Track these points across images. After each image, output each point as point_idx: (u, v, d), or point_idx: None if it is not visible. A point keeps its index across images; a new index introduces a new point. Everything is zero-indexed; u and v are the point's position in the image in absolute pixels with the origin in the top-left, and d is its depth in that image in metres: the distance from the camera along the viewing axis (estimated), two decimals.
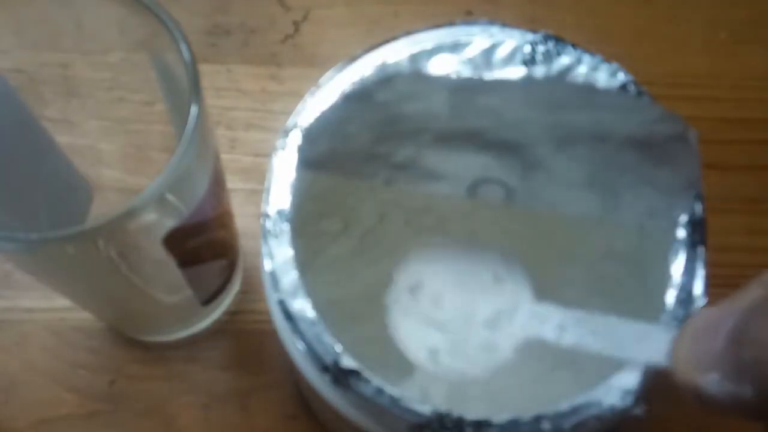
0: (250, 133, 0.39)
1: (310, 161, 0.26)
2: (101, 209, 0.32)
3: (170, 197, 0.23)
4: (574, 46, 0.27)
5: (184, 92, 0.24)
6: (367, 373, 0.23)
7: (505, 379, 0.30)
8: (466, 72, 0.27)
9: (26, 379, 0.34)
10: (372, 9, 0.42)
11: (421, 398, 0.23)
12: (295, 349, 0.24)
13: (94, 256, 0.24)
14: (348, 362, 0.23)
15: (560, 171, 0.27)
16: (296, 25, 0.42)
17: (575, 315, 0.25)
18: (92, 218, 0.32)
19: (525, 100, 0.26)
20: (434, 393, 0.30)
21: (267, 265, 0.25)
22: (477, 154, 0.28)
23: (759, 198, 0.39)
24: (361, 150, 0.28)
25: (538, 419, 0.23)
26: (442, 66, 0.27)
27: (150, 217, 0.23)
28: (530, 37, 0.27)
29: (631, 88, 0.26)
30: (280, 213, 0.25)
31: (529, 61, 0.27)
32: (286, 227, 0.25)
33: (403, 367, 0.30)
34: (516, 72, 0.27)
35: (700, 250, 0.25)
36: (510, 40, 0.27)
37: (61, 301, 0.35)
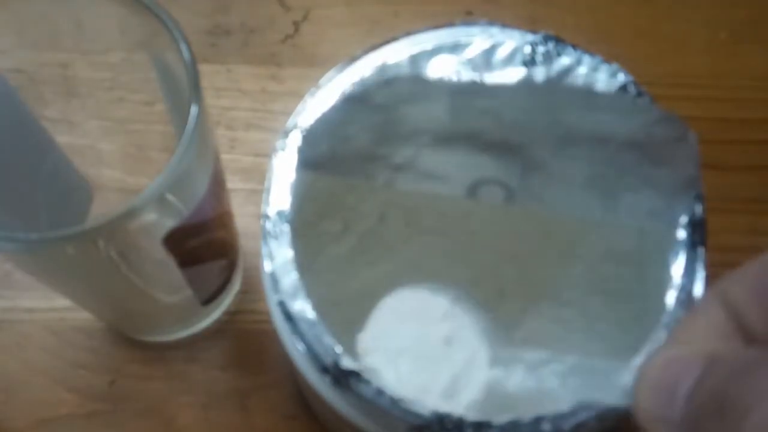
0: (250, 133, 0.39)
1: (310, 162, 0.26)
2: (101, 209, 0.32)
3: (170, 197, 0.23)
4: (574, 46, 0.27)
5: (184, 92, 0.24)
6: (367, 374, 0.23)
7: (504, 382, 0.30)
8: (466, 73, 0.27)
9: (26, 379, 0.34)
10: (372, 9, 0.42)
11: (421, 399, 0.23)
12: (295, 350, 0.24)
13: (94, 256, 0.24)
14: (348, 363, 0.23)
15: (560, 172, 0.27)
16: (296, 25, 0.42)
17: (535, 356, 0.24)
18: (92, 218, 0.32)
19: (525, 101, 0.26)
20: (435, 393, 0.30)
21: (267, 266, 0.25)
22: (477, 155, 0.28)
23: (759, 198, 0.39)
24: (361, 151, 0.28)
25: (538, 420, 0.23)
26: (442, 67, 0.27)
27: (150, 217, 0.23)
28: (530, 37, 0.27)
29: (631, 89, 0.26)
30: (280, 214, 0.25)
31: (529, 62, 0.27)
32: (286, 228, 0.25)
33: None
34: (516, 73, 0.27)
35: (700, 251, 0.25)
36: (510, 41, 0.27)
37: (61, 301, 0.35)
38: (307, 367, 0.24)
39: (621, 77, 0.27)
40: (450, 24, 0.28)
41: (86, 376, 0.35)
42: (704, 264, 0.25)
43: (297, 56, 0.41)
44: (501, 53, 0.27)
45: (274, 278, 0.25)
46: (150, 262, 0.27)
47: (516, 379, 0.25)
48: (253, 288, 0.36)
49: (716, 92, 0.41)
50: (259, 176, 0.38)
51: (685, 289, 0.25)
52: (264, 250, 0.25)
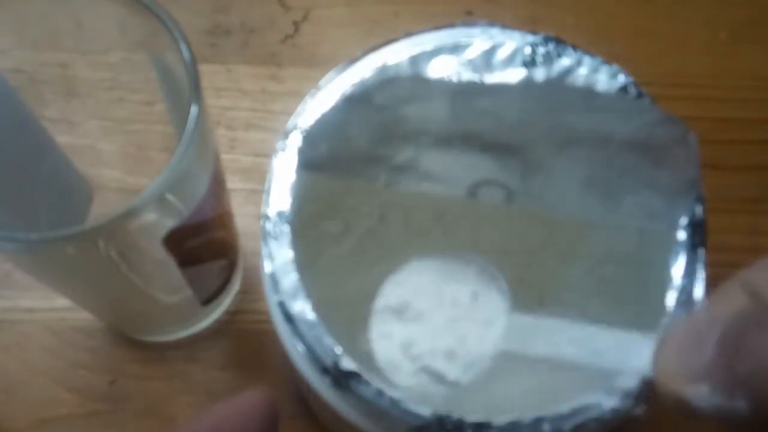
0: (250, 133, 0.39)
1: (310, 163, 0.26)
2: (101, 209, 0.32)
3: (170, 197, 0.23)
4: (574, 47, 0.27)
5: (184, 92, 0.24)
6: (367, 375, 0.23)
7: (504, 381, 0.30)
8: (467, 74, 0.27)
9: (26, 379, 0.34)
10: (372, 9, 0.42)
11: (421, 400, 0.23)
12: (295, 350, 0.24)
13: (94, 256, 0.24)
14: (348, 364, 0.23)
15: (560, 173, 0.27)
16: (296, 25, 0.42)
17: (553, 324, 0.25)
18: (92, 218, 0.32)
19: (525, 102, 0.26)
20: (434, 395, 0.30)
21: (267, 267, 0.25)
22: (477, 156, 0.28)
23: (759, 198, 0.39)
24: (361, 152, 0.28)
25: (538, 421, 0.23)
26: (442, 68, 0.27)
27: (150, 217, 0.23)
28: (530, 38, 0.27)
29: (632, 90, 0.26)
30: (280, 215, 0.25)
31: (530, 63, 0.27)
32: (286, 229, 0.25)
33: None
34: (516, 74, 0.27)
35: (701, 252, 0.25)
36: (510, 42, 0.27)
37: (61, 301, 0.35)
38: (307, 368, 0.24)
39: (621, 78, 0.27)
40: (450, 25, 0.28)
41: (86, 376, 0.35)
42: (704, 265, 0.25)
43: (297, 56, 0.41)
44: (501, 54, 0.27)
45: (274, 279, 0.25)
46: (150, 262, 0.27)
47: (533, 345, 0.26)
48: (253, 288, 0.36)
49: (716, 92, 0.41)
50: (259, 176, 0.38)
51: (686, 291, 0.25)
52: (264, 251, 0.25)
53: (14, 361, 0.35)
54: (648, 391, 0.23)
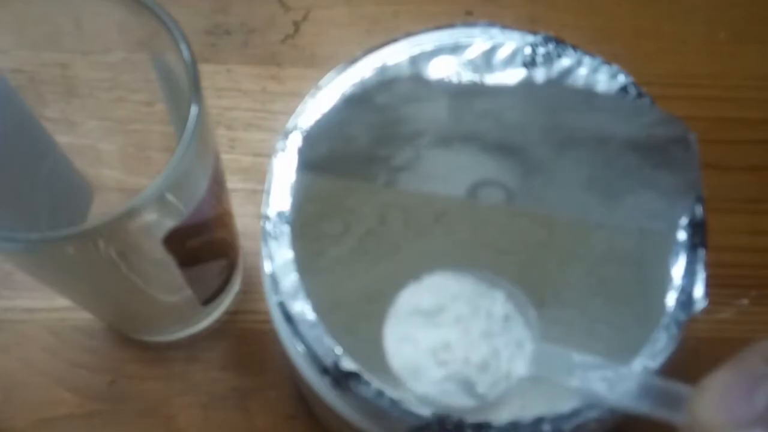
0: (250, 133, 0.39)
1: (310, 163, 0.26)
2: (101, 209, 0.32)
3: (170, 197, 0.23)
4: (574, 47, 0.27)
5: (184, 92, 0.24)
6: (367, 376, 0.23)
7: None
8: (467, 74, 0.27)
9: (26, 379, 0.34)
10: (372, 9, 0.42)
11: (421, 400, 0.23)
12: (295, 351, 0.24)
13: (94, 256, 0.24)
14: (348, 364, 0.23)
15: (560, 173, 0.27)
16: (296, 25, 0.42)
17: (584, 360, 0.25)
18: (92, 218, 0.32)
19: (525, 102, 0.26)
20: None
21: (267, 267, 0.25)
22: (477, 156, 0.28)
23: (759, 198, 0.39)
24: (361, 152, 0.28)
25: (538, 421, 0.23)
26: (442, 68, 0.27)
27: (150, 217, 0.23)
28: (530, 38, 0.27)
29: (632, 90, 0.26)
30: (280, 215, 0.25)
31: (530, 63, 0.27)
32: (286, 229, 0.25)
33: None
34: (516, 74, 0.27)
35: (701, 252, 0.25)
36: (510, 42, 0.27)
37: (61, 301, 0.35)
38: (307, 368, 0.24)
39: (621, 78, 0.27)
40: (450, 25, 0.28)
41: (86, 376, 0.35)
42: (704, 265, 0.25)
43: (297, 56, 0.41)
44: (501, 54, 0.27)
45: (274, 279, 0.25)
46: (150, 262, 0.27)
47: (561, 377, 0.25)
48: (253, 288, 0.36)
49: (716, 92, 0.41)
50: (259, 176, 0.38)
51: (686, 291, 0.25)
52: (264, 251, 0.25)
53: (14, 361, 0.35)
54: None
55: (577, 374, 0.24)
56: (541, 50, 0.27)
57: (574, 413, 0.23)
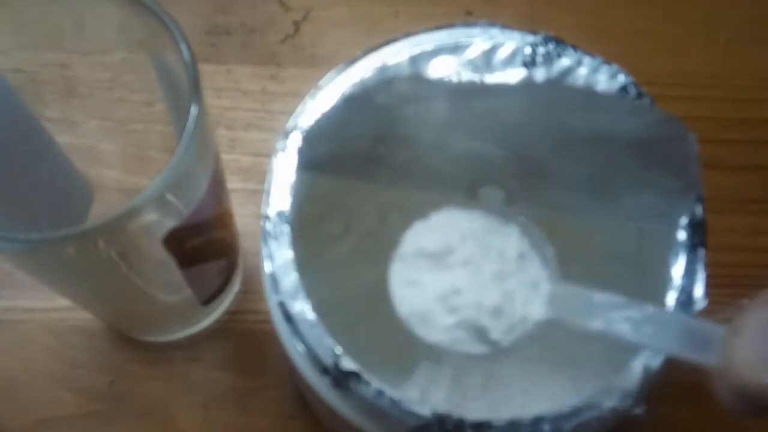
0: (250, 133, 0.39)
1: (310, 163, 0.26)
2: (101, 209, 0.32)
3: (170, 197, 0.23)
4: (574, 47, 0.27)
5: (184, 92, 0.24)
6: (367, 375, 0.23)
7: (504, 380, 0.30)
8: (467, 74, 0.27)
9: (26, 379, 0.34)
10: (372, 9, 0.42)
11: (421, 400, 0.23)
12: (295, 350, 0.24)
13: (94, 256, 0.24)
14: (348, 364, 0.23)
15: (560, 173, 0.27)
16: (296, 25, 0.42)
17: (607, 299, 0.23)
18: (92, 218, 0.32)
19: (525, 102, 0.26)
20: (434, 395, 0.30)
21: (267, 267, 0.25)
22: (477, 156, 0.28)
23: (759, 198, 0.39)
24: (361, 152, 0.28)
25: (538, 421, 0.23)
26: (442, 68, 0.27)
27: (150, 217, 0.23)
28: (530, 38, 0.27)
29: (632, 90, 0.26)
30: (280, 215, 0.25)
31: (530, 63, 0.27)
32: (286, 229, 0.25)
33: (403, 368, 0.30)
34: (516, 74, 0.27)
35: (701, 252, 0.25)
36: (510, 42, 0.27)
37: (61, 301, 0.35)
38: (307, 368, 0.24)
39: (621, 78, 0.27)
40: (450, 25, 0.28)
41: (86, 376, 0.35)
42: (704, 265, 0.25)
43: (297, 56, 0.41)
44: (501, 54, 0.27)
45: (274, 279, 0.25)
46: (150, 262, 0.27)
47: (581, 318, 0.24)
48: (253, 288, 0.36)
49: (716, 92, 0.41)
50: (259, 176, 0.38)
51: (686, 291, 0.25)
52: (264, 251, 0.25)
53: (14, 361, 0.35)
54: (647, 389, 0.23)
55: (598, 315, 0.23)
56: (541, 50, 0.27)
57: (574, 413, 0.23)
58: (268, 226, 0.25)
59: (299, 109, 0.27)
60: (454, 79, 0.26)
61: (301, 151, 0.26)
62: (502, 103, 0.26)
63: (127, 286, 0.28)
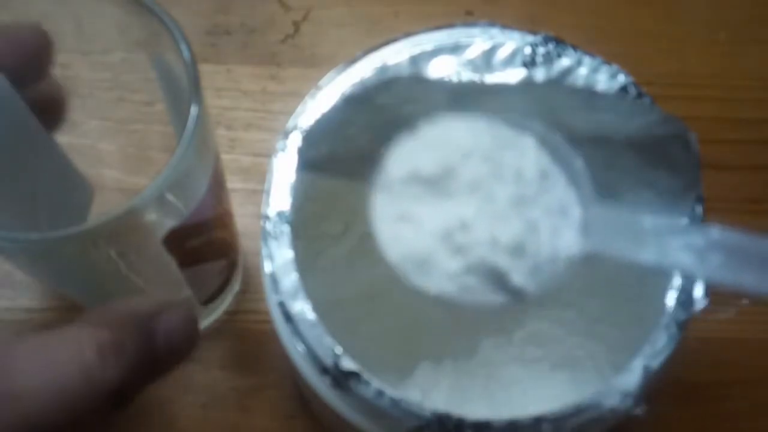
0: (250, 133, 0.39)
1: (310, 163, 0.26)
2: (101, 209, 0.32)
3: (170, 197, 0.23)
4: (574, 47, 0.27)
5: (184, 92, 0.24)
6: (367, 375, 0.23)
7: (504, 380, 0.30)
8: (467, 74, 0.27)
9: None
10: (372, 9, 0.42)
11: (421, 400, 0.23)
12: (295, 350, 0.24)
13: (94, 256, 0.24)
14: (348, 364, 0.23)
15: None
16: (296, 25, 0.42)
17: (659, 223, 0.19)
18: (92, 218, 0.32)
19: (525, 102, 0.26)
20: (434, 395, 0.30)
21: (267, 267, 0.25)
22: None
23: (759, 198, 0.39)
24: (362, 152, 0.28)
25: (538, 421, 0.23)
26: (442, 68, 0.27)
27: (150, 217, 0.23)
28: (530, 38, 0.27)
29: (632, 90, 0.26)
30: (280, 215, 0.25)
31: (530, 63, 0.27)
32: (286, 229, 0.25)
33: (403, 368, 0.30)
34: (516, 74, 0.27)
35: None
36: (510, 42, 0.27)
37: (61, 302, 0.35)
38: (307, 368, 0.24)
39: (621, 78, 0.27)
40: (450, 25, 0.28)
41: None
42: None
43: (297, 56, 0.41)
44: (501, 54, 0.27)
45: (274, 279, 0.25)
46: (150, 262, 0.27)
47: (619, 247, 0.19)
48: (253, 288, 0.36)
49: (716, 92, 0.41)
50: (259, 176, 0.38)
51: (685, 291, 0.25)
52: (264, 251, 0.25)
53: None
54: (647, 389, 0.23)
55: (649, 243, 0.18)
56: (541, 50, 0.27)
57: (574, 413, 0.23)
58: (268, 226, 0.25)
59: (299, 109, 0.27)
60: (454, 79, 0.26)
61: (301, 151, 0.26)
62: (502, 103, 0.26)
63: (127, 286, 0.28)
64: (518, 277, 0.20)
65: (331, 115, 0.26)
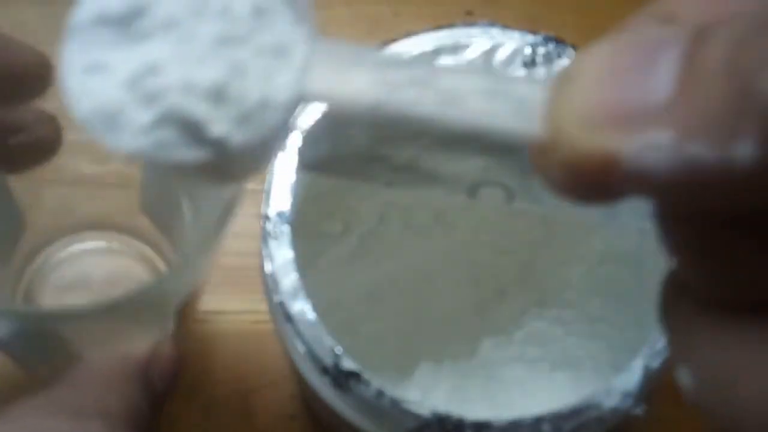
0: None
1: (310, 163, 0.26)
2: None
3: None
4: (574, 47, 0.27)
5: None
6: (367, 375, 0.23)
7: (504, 380, 0.30)
8: None
9: (26, 379, 0.34)
10: (372, 9, 0.42)
11: (421, 400, 0.23)
12: (296, 350, 0.24)
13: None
14: (348, 364, 0.23)
15: None
16: None
17: (388, 56, 0.17)
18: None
19: None
20: (434, 395, 0.30)
21: (267, 267, 0.25)
22: (477, 156, 0.28)
23: None
24: (361, 152, 0.28)
25: (538, 421, 0.23)
26: None
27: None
28: (530, 38, 0.27)
29: None
30: (280, 215, 0.25)
31: (530, 63, 0.27)
32: (285, 229, 0.25)
33: (403, 368, 0.30)
34: (516, 74, 0.27)
35: None
36: (510, 42, 0.27)
37: None
38: (307, 368, 0.24)
39: None
40: (450, 25, 0.28)
41: None
42: None
43: None
44: (501, 54, 0.27)
45: (274, 279, 0.25)
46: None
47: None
48: (253, 288, 0.36)
49: None
50: (258, 176, 0.38)
51: None
52: (264, 251, 0.25)
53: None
54: (647, 389, 0.23)
55: (377, 82, 0.16)
56: (541, 50, 0.27)
57: (574, 413, 0.23)
58: (268, 226, 0.25)
59: (299, 109, 0.27)
60: None
61: (301, 151, 0.26)
62: None
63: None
64: (220, 126, 0.17)
65: (331, 114, 0.26)
